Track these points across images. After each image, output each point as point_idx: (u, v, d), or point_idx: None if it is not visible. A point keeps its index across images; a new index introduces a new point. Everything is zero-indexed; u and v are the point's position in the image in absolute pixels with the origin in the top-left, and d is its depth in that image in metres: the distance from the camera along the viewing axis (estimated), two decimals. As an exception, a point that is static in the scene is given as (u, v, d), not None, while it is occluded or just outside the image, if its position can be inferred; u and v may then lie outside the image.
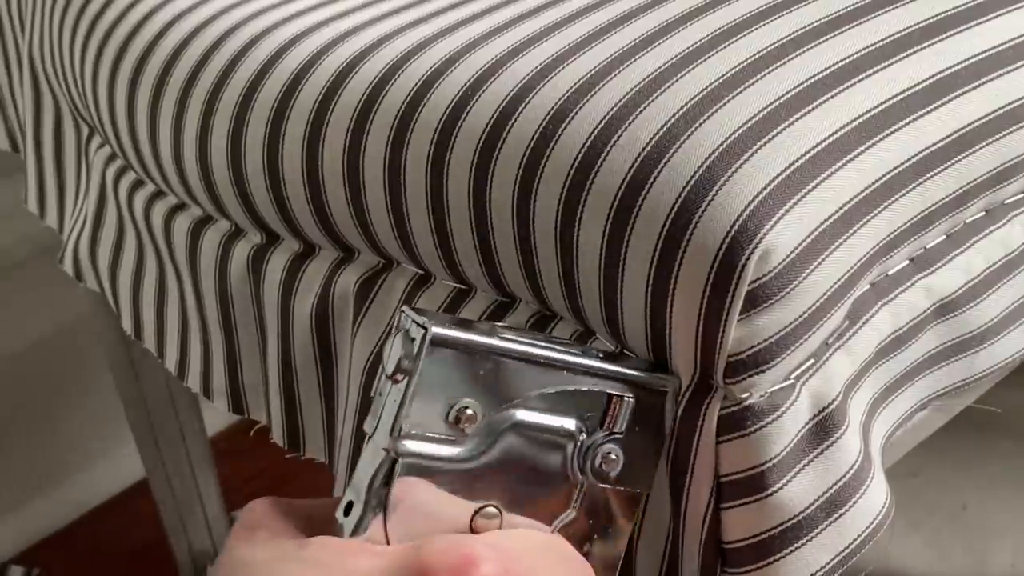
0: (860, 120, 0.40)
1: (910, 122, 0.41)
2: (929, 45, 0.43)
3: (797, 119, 0.40)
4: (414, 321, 0.36)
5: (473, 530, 0.38)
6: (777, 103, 0.40)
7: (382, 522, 0.36)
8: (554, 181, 0.40)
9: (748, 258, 0.37)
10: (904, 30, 0.43)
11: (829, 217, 0.39)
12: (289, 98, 0.48)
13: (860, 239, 0.40)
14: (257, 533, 0.37)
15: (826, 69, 0.41)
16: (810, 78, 0.41)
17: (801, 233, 0.38)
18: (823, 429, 0.40)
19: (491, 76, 0.44)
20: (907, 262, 0.44)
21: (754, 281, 0.37)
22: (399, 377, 0.36)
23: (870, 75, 0.41)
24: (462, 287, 0.47)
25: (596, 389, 0.39)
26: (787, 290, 0.38)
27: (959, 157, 0.43)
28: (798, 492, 0.40)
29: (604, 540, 0.41)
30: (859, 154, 0.40)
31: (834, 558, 0.41)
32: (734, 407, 0.39)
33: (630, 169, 0.39)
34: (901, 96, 0.41)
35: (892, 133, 0.41)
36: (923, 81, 0.42)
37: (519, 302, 0.46)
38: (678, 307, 0.38)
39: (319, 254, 0.51)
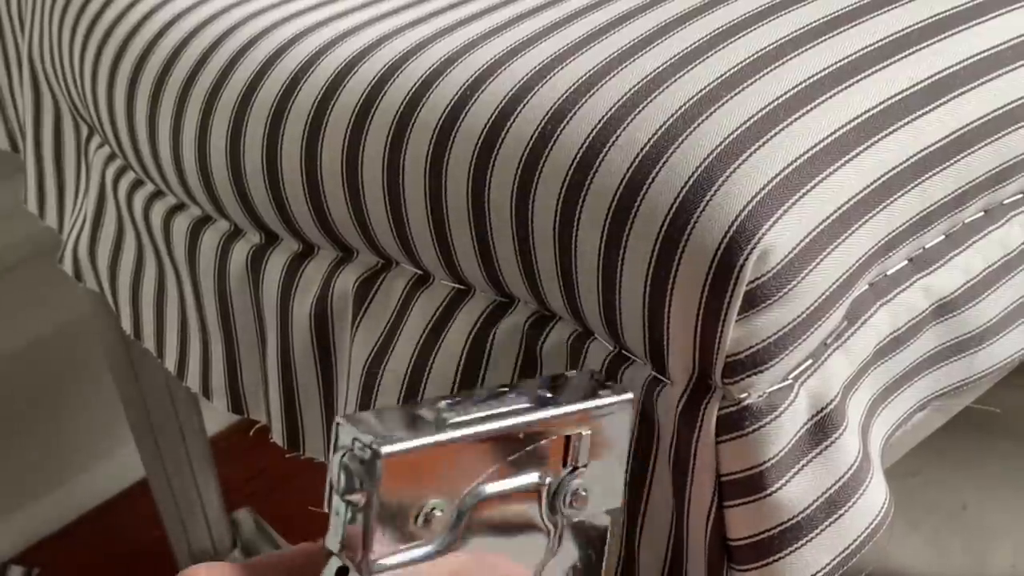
0: (859, 120, 0.40)
1: (909, 122, 0.41)
2: (928, 45, 0.43)
3: (796, 119, 0.40)
4: (358, 441, 0.35)
5: None
6: (776, 103, 0.40)
7: None
8: (553, 181, 0.40)
9: (746, 258, 0.37)
10: (903, 30, 0.43)
11: (828, 217, 0.39)
12: (288, 98, 0.48)
13: (859, 239, 0.40)
14: None
15: (825, 69, 0.41)
16: (809, 78, 0.41)
17: (800, 233, 0.38)
18: (822, 429, 0.40)
19: (490, 76, 0.44)
20: (906, 262, 0.44)
21: (752, 281, 0.37)
22: (355, 498, 0.35)
23: (869, 75, 0.41)
24: (461, 287, 0.47)
25: (553, 437, 0.38)
26: (785, 290, 0.38)
27: (958, 157, 0.43)
28: (797, 492, 0.40)
29: (588, 564, 0.40)
30: (858, 154, 0.40)
31: (834, 558, 0.41)
32: (732, 407, 0.39)
33: (628, 169, 0.39)
34: (900, 96, 0.41)
35: (891, 133, 0.41)
36: (922, 81, 0.42)
37: (517, 302, 0.46)
38: (676, 307, 0.38)
39: (318, 254, 0.51)
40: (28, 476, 1.16)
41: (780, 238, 0.37)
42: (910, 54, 0.43)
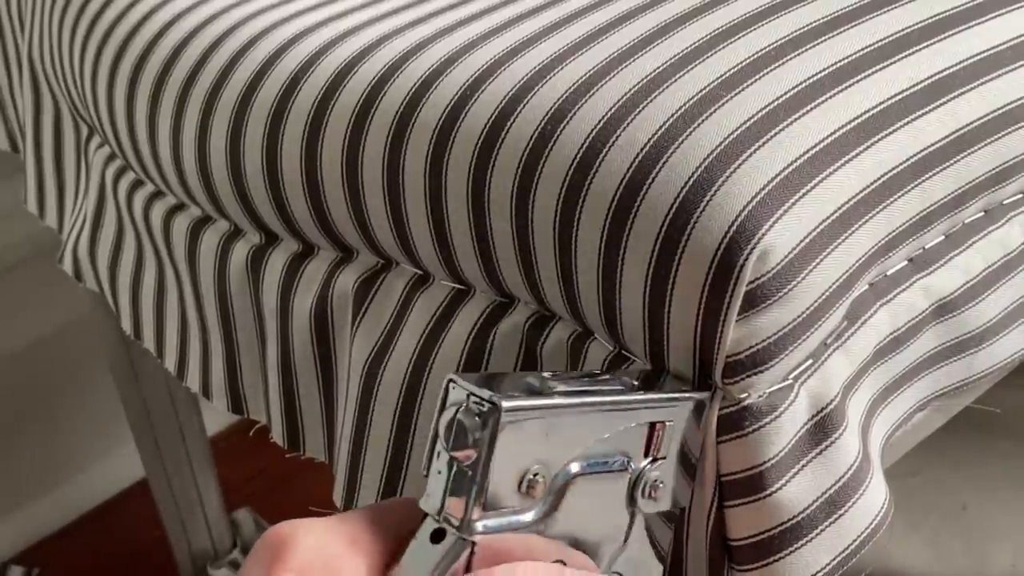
0: (859, 120, 0.40)
1: (909, 122, 0.41)
2: (928, 45, 0.43)
3: (795, 119, 0.40)
4: (475, 395, 0.34)
5: None
6: (776, 103, 0.40)
7: None
8: (552, 181, 0.40)
9: (746, 258, 0.37)
10: (903, 30, 0.43)
11: (828, 217, 0.39)
12: (288, 98, 0.48)
13: (859, 239, 0.40)
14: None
15: (825, 69, 0.41)
16: (809, 78, 0.41)
17: (799, 233, 0.38)
18: (822, 430, 0.40)
19: (490, 76, 0.44)
20: (906, 262, 0.44)
21: (752, 281, 0.37)
22: (465, 455, 0.34)
23: (869, 75, 0.41)
24: (461, 287, 0.47)
25: (642, 421, 0.38)
26: (785, 290, 0.38)
27: (958, 157, 0.43)
28: (797, 492, 0.40)
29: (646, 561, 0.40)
30: (858, 154, 0.40)
31: (834, 558, 0.41)
32: (732, 407, 0.39)
33: (628, 169, 0.39)
34: (900, 96, 0.41)
35: (891, 133, 0.41)
36: (922, 81, 0.42)
37: (517, 302, 0.46)
38: (676, 307, 0.38)
39: (318, 254, 0.51)
40: (28, 476, 1.16)
41: (780, 238, 0.37)
42: (910, 54, 0.43)
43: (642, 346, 0.40)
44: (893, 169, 0.41)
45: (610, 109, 0.41)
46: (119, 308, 0.64)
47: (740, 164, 0.38)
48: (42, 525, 1.18)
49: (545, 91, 0.42)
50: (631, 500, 0.38)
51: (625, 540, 0.39)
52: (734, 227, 0.37)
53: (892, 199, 0.41)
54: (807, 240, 0.38)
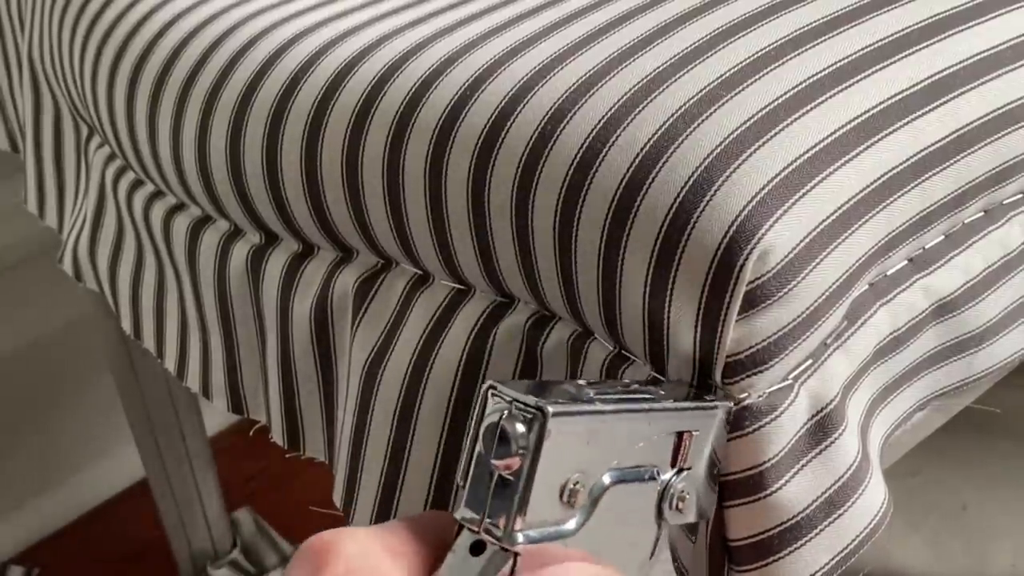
0: (858, 120, 0.40)
1: (909, 122, 0.41)
2: (928, 45, 0.43)
3: (795, 119, 0.40)
4: (519, 402, 0.33)
5: None
6: (776, 103, 0.40)
7: None
8: (552, 181, 0.40)
9: (746, 258, 0.37)
10: (903, 30, 0.43)
11: (828, 217, 0.39)
12: (288, 98, 0.48)
13: (859, 239, 0.40)
14: None
15: (825, 69, 0.41)
16: (809, 78, 0.41)
17: (799, 233, 0.38)
18: (821, 429, 0.40)
19: (490, 76, 0.44)
20: (906, 262, 0.44)
21: (752, 281, 0.37)
22: (506, 464, 0.33)
23: (868, 75, 0.41)
24: (461, 287, 0.47)
25: (672, 430, 0.37)
26: (785, 290, 0.38)
27: (958, 157, 0.43)
28: (797, 492, 0.40)
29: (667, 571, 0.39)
30: (858, 154, 0.40)
31: (833, 558, 0.41)
32: (732, 407, 0.39)
33: (628, 169, 0.39)
34: (900, 96, 0.41)
35: (891, 133, 0.41)
36: (922, 81, 0.42)
37: (517, 302, 0.46)
38: (676, 307, 0.38)
39: (318, 254, 0.51)
40: (28, 476, 1.16)
41: (780, 238, 0.37)
42: (910, 54, 0.43)
43: (642, 346, 0.40)
44: (893, 169, 0.41)
45: (610, 109, 0.41)
46: (119, 308, 0.64)
47: (740, 164, 0.38)
48: (42, 525, 1.18)
49: (545, 91, 0.42)
50: (659, 512, 0.37)
51: (652, 554, 0.38)
52: (734, 227, 0.37)
53: (892, 199, 0.41)
54: (807, 240, 0.38)
